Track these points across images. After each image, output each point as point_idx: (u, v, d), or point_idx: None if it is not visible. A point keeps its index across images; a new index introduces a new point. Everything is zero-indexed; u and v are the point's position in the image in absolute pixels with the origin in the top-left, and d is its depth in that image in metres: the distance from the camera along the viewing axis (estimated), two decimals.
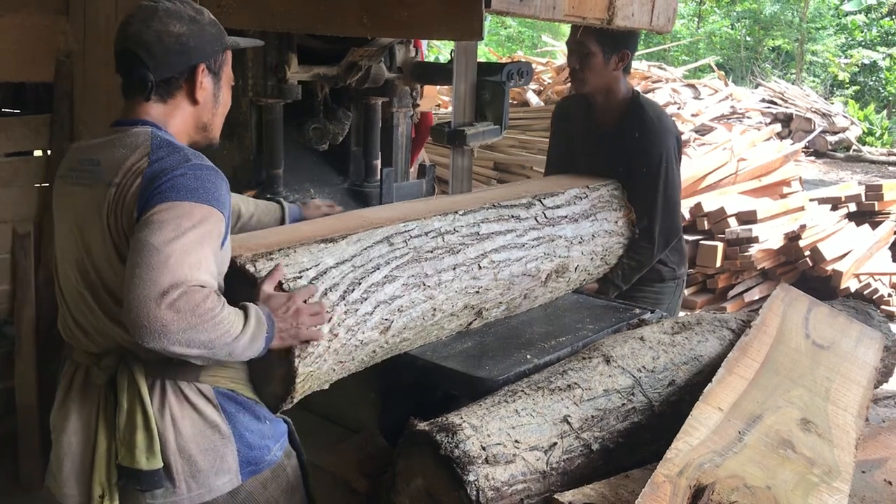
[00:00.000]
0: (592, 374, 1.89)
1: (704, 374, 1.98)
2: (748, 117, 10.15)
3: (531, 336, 2.25)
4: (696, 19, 19.79)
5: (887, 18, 17.60)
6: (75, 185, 1.63)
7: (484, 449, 1.59)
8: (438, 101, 7.60)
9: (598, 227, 2.61)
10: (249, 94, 2.56)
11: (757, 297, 5.46)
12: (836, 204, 6.26)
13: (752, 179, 6.48)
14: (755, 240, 5.46)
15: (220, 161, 1.71)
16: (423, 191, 3.09)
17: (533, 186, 2.65)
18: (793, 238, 5.45)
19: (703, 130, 7.88)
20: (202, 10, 1.69)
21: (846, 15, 17.72)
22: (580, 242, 2.52)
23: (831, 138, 12.46)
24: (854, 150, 12.70)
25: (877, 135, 14.19)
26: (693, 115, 8.40)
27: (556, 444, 1.70)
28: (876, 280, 5.63)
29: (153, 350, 1.42)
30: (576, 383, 1.84)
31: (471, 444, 1.59)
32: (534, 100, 7.71)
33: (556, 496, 1.60)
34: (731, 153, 6.43)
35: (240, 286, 1.65)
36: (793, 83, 14.87)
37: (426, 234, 2.07)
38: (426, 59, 3.95)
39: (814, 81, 16.94)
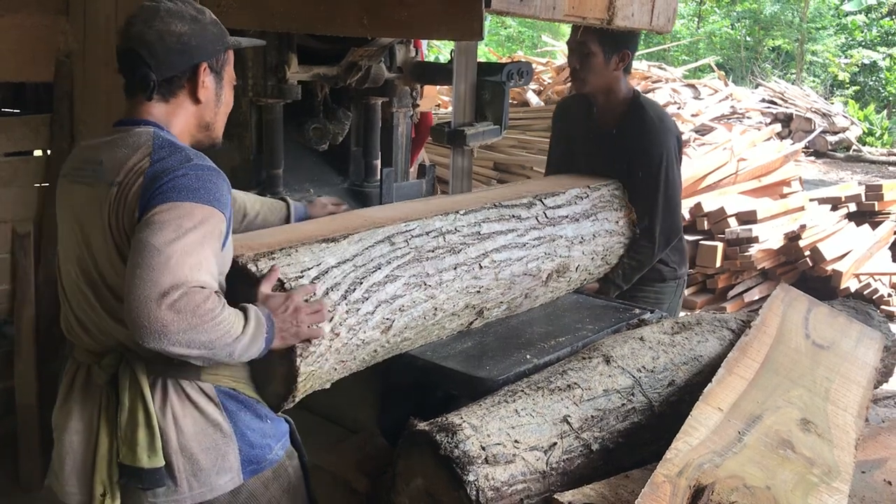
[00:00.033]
0: (592, 374, 1.89)
1: (704, 375, 1.98)
2: (748, 117, 10.16)
3: (531, 336, 2.25)
4: (696, 19, 19.79)
5: (887, 18, 17.60)
6: (78, 184, 1.63)
7: (484, 449, 1.59)
8: (438, 101, 7.60)
9: (599, 227, 2.61)
10: (249, 94, 2.56)
11: (757, 298, 5.45)
12: (836, 204, 6.26)
13: (752, 179, 6.49)
14: (755, 240, 5.46)
15: (220, 161, 1.71)
16: (423, 191, 3.09)
17: (534, 186, 2.66)
18: (793, 238, 5.45)
19: (703, 130, 7.88)
20: (204, 9, 1.69)
21: (846, 15, 17.73)
22: (581, 242, 2.52)
23: (831, 138, 12.46)
24: (854, 151, 12.70)
25: (877, 135, 14.20)
26: (693, 115, 8.40)
27: (555, 444, 1.70)
28: (876, 280, 5.63)
29: (153, 350, 1.42)
30: (576, 383, 1.84)
31: (470, 444, 1.59)
32: (534, 100, 7.71)
33: (555, 496, 1.60)
34: (731, 153, 6.43)
35: (242, 286, 1.65)
36: (793, 83, 14.87)
37: (427, 233, 2.07)
38: (426, 59, 3.95)
39: (814, 81, 16.94)
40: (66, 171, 1.69)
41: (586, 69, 2.70)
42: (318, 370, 1.73)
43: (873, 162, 12.30)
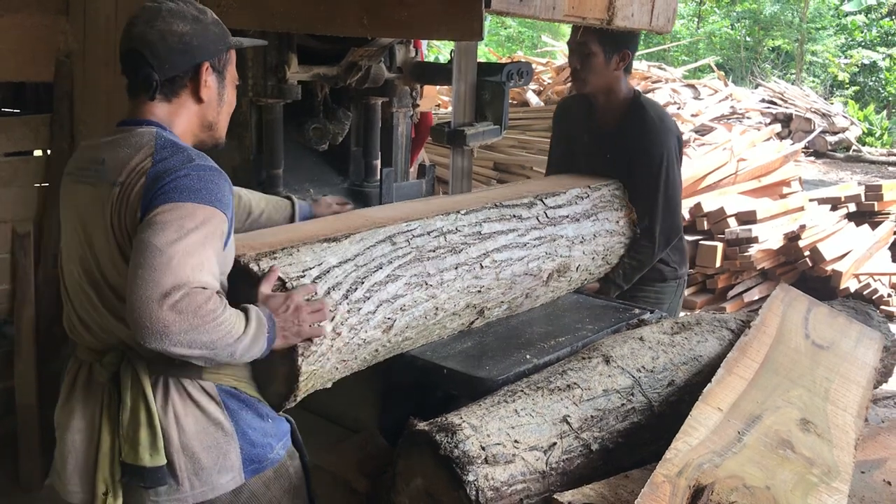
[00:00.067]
0: (592, 374, 1.89)
1: (704, 375, 1.98)
2: (748, 117, 10.16)
3: (531, 336, 2.25)
4: (696, 19, 19.80)
5: (887, 19, 17.60)
6: (81, 184, 1.64)
7: (483, 449, 1.60)
8: (438, 101, 7.60)
9: (600, 227, 2.61)
10: (249, 94, 2.56)
11: (756, 298, 5.46)
12: (835, 204, 6.26)
13: (752, 180, 6.48)
14: (755, 240, 5.46)
15: (221, 161, 1.72)
16: (423, 191, 3.09)
17: (534, 186, 2.66)
18: (792, 238, 5.45)
19: (702, 130, 7.88)
20: (205, 9, 1.70)
21: (846, 15, 17.73)
22: (582, 242, 2.52)
23: (831, 138, 12.46)
24: (854, 151, 12.70)
25: (876, 135, 14.20)
26: (693, 116, 8.40)
27: (555, 444, 1.70)
28: (875, 280, 5.63)
29: (155, 351, 1.42)
30: (575, 383, 1.84)
31: (470, 444, 1.59)
32: (534, 100, 7.71)
33: (555, 496, 1.60)
34: (731, 153, 6.43)
35: (243, 285, 1.65)
36: (793, 83, 14.87)
37: (428, 233, 2.07)
38: (426, 59, 3.95)
39: (814, 82, 16.94)
40: (69, 170, 1.69)
41: (587, 69, 2.71)
42: (319, 369, 1.74)
43: (873, 162, 12.31)
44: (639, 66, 9.61)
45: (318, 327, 1.67)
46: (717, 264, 5.54)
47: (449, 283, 2.06)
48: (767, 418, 1.78)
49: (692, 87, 9.71)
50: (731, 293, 5.57)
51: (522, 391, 1.80)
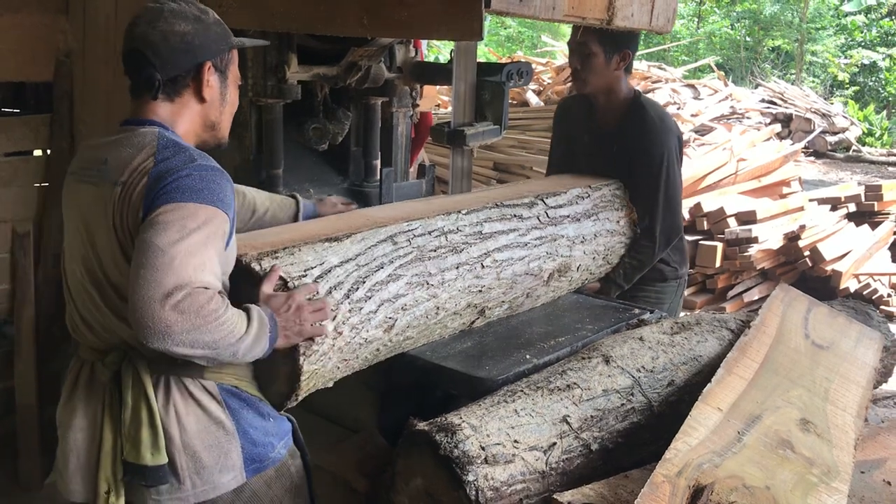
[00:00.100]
0: (592, 374, 1.90)
1: (704, 375, 1.98)
2: (748, 117, 10.15)
3: (531, 336, 2.25)
4: (696, 19, 19.80)
5: (887, 19, 17.60)
6: (83, 183, 1.64)
7: (483, 449, 1.60)
8: (438, 101, 7.60)
9: (600, 227, 2.61)
10: (249, 94, 2.56)
11: (756, 298, 5.46)
12: (835, 204, 6.26)
13: (752, 180, 6.49)
14: (755, 240, 5.46)
15: (221, 161, 1.72)
16: (423, 191, 3.10)
17: (535, 186, 2.66)
18: (792, 238, 5.45)
19: (702, 130, 7.88)
20: (207, 9, 1.70)
21: (846, 15, 17.73)
22: (582, 242, 2.52)
23: (831, 139, 12.46)
24: (854, 151, 12.70)
25: (876, 135, 14.20)
26: (693, 116, 8.40)
27: (555, 444, 1.70)
28: (875, 280, 5.63)
29: (157, 350, 1.43)
30: (575, 383, 1.85)
31: (470, 443, 1.59)
32: (533, 100, 7.71)
33: (555, 496, 1.60)
34: (731, 153, 6.43)
35: (245, 285, 1.66)
36: (792, 83, 14.87)
37: (430, 233, 2.07)
38: (426, 59, 3.95)
39: (813, 82, 16.94)
40: (72, 169, 1.70)
41: (587, 69, 2.71)
42: (321, 369, 1.74)
43: (873, 162, 12.31)
44: (639, 66, 9.61)
45: (319, 327, 1.67)
46: (717, 264, 5.54)
47: (450, 282, 2.06)
48: (767, 418, 1.78)
49: (692, 87, 9.71)
50: (731, 293, 5.57)
51: (522, 391, 1.80)
